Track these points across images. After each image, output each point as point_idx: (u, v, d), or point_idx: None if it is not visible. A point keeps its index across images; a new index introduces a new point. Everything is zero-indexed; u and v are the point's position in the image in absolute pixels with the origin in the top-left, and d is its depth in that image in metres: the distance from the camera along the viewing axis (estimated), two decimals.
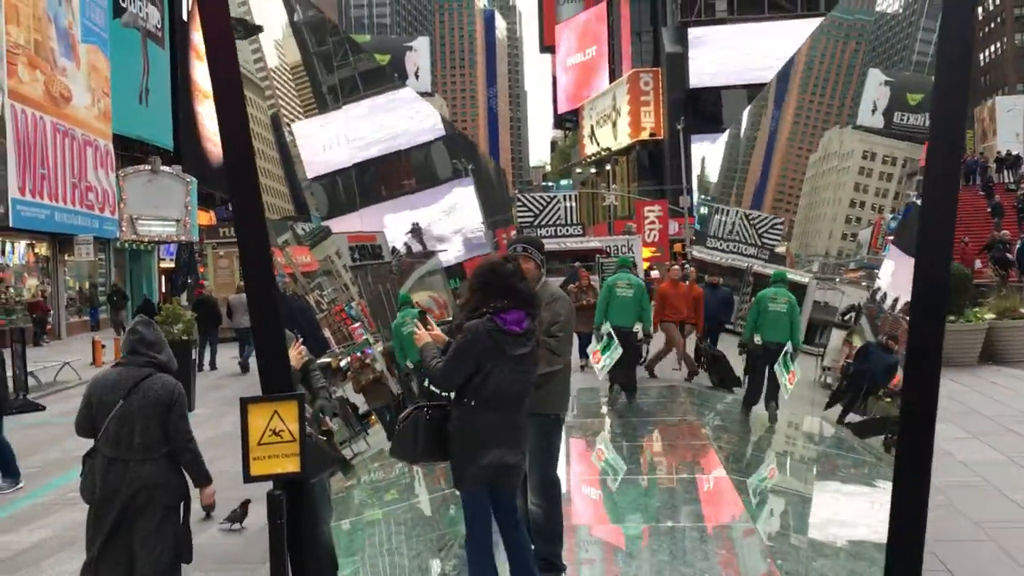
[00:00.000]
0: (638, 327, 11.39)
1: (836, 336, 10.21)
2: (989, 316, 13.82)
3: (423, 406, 4.16)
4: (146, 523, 4.45)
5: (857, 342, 8.95)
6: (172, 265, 37.42)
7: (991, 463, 7.63)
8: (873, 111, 13.00)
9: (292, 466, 3.33)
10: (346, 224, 9.89)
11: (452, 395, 4.16)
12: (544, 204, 27.94)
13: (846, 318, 10.19)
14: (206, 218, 40.19)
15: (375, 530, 6.67)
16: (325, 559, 4.56)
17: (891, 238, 11.20)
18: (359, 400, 8.46)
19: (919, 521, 3.06)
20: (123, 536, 4.46)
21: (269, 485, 3.35)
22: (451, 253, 11.71)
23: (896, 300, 8.70)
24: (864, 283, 10.26)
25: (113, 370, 4.73)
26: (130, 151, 34.58)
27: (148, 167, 33.48)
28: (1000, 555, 5.54)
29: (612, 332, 11.04)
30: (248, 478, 3.38)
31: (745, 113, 16.78)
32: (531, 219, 26.67)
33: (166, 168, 34.35)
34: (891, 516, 3.19)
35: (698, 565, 5.41)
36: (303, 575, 3.37)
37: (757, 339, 10.16)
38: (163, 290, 37.23)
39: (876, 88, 13.08)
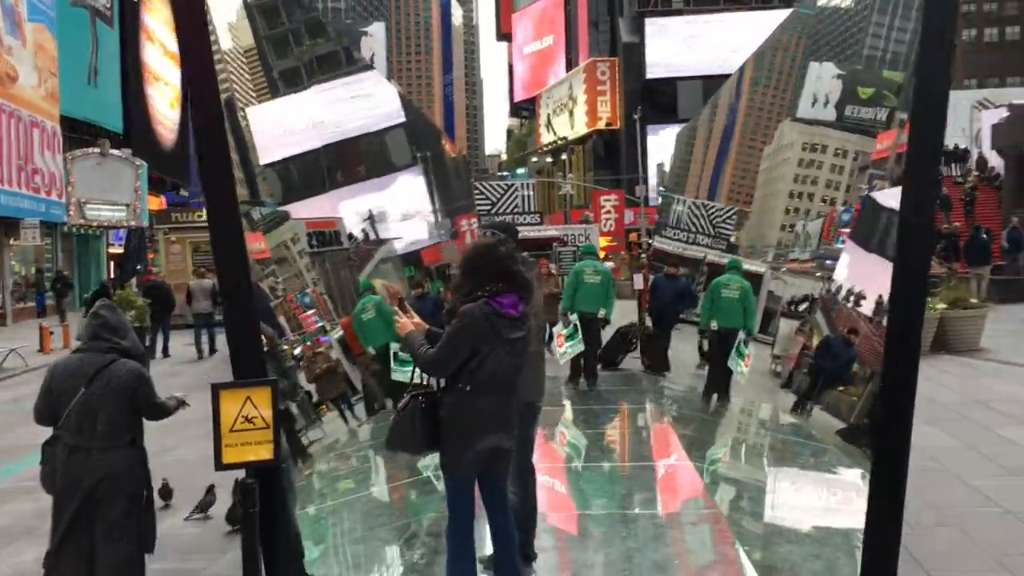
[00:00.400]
0: (602, 312, 11.40)
1: (785, 325, 10.34)
2: (941, 306, 14.11)
3: (417, 394, 4.10)
4: (108, 513, 4.36)
5: (815, 336, 9.06)
6: (122, 251, 36.73)
7: (948, 449, 7.81)
8: (814, 103, 13.16)
9: (265, 453, 3.28)
10: (303, 210, 9.79)
11: (442, 381, 4.11)
12: (502, 192, 27.88)
13: (799, 308, 10.33)
14: (156, 203, 39.47)
15: (338, 518, 6.62)
16: (293, 547, 4.51)
17: (846, 231, 11.38)
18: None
19: (896, 508, 3.11)
20: (84, 526, 4.37)
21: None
22: (405, 240, 11.65)
23: (851, 293, 8.84)
24: (819, 274, 10.40)
25: (74, 356, 4.63)
26: (78, 133, 33.77)
27: (97, 150, 32.74)
28: (963, 539, 5.67)
29: (578, 325, 11.12)
30: (220, 466, 3.32)
31: (708, 105, 16.92)
32: (488, 207, 26.61)
33: (115, 151, 33.63)
34: (869, 501, 3.24)
35: (664, 552, 5.45)
36: (275, 563, 3.31)
37: (714, 324, 10.29)
38: (112, 276, 36.50)
39: (825, 81, 13.25)
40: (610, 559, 5.23)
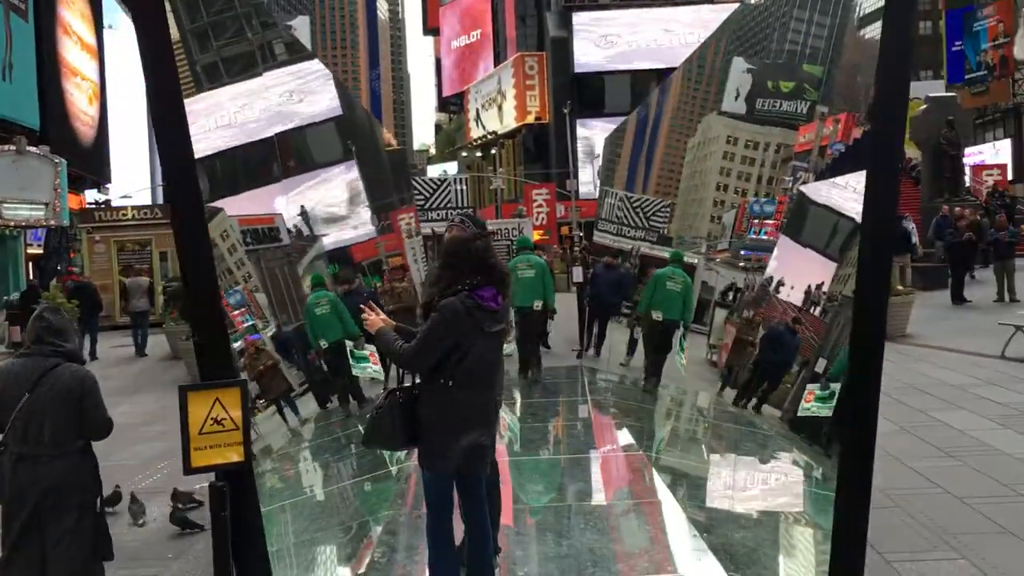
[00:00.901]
0: (538, 304, 11.48)
1: (719, 315, 10.58)
2: None
3: (395, 390, 4.07)
4: (58, 524, 4.26)
5: (759, 328, 9.25)
6: (41, 251, 35.53)
7: (884, 433, 8.06)
8: (737, 97, 13.46)
9: (236, 456, 3.23)
10: (233, 206, 9.63)
11: (417, 377, 4.08)
12: (434, 188, 27.79)
13: (727, 298, 10.59)
14: (76, 201, 38.28)
15: (293, 517, 6.55)
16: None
17: (769, 222, 11.69)
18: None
19: (864, 500, 3.22)
20: (35, 537, 4.27)
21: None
22: (334, 237, 11.56)
23: (780, 284, 9.07)
24: (741, 264, 10.67)
25: (17, 361, 4.49)
26: None
27: (13, 147, 31.53)
28: (908, 520, 5.88)
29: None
30: (189, 470, 3.26)
31: (645, 101, 17.17)
32: (422, 202, 26.50)
33: (32, 148, 32.45)
34: (837, 494, 3.34)
35: (627, 541, 5.53)
36: (246, 567, 3.28)
37: (658, 315, 10.53)
38: (31, 277, 35.29)
39: (739, 75, 13.54)
40: (573, 550, 5.28)
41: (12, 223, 32.27)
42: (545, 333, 12.42)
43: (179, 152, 3.19)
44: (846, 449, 3.35)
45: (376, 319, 4.14)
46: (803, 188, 10.42)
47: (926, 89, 37.00)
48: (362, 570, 5.11)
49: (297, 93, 11.27)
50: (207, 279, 3.27)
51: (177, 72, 3.22)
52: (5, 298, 24.32)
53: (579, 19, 61.88)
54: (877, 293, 3.15)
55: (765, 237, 11.15)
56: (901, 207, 25.12)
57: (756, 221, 11.74)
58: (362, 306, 4.24)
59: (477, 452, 4.04)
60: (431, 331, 3.91)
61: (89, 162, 41.26)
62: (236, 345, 8.26)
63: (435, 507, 4.11)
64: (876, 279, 3.16)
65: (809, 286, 8.35)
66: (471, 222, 5.11)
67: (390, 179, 14.08)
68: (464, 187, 30.00)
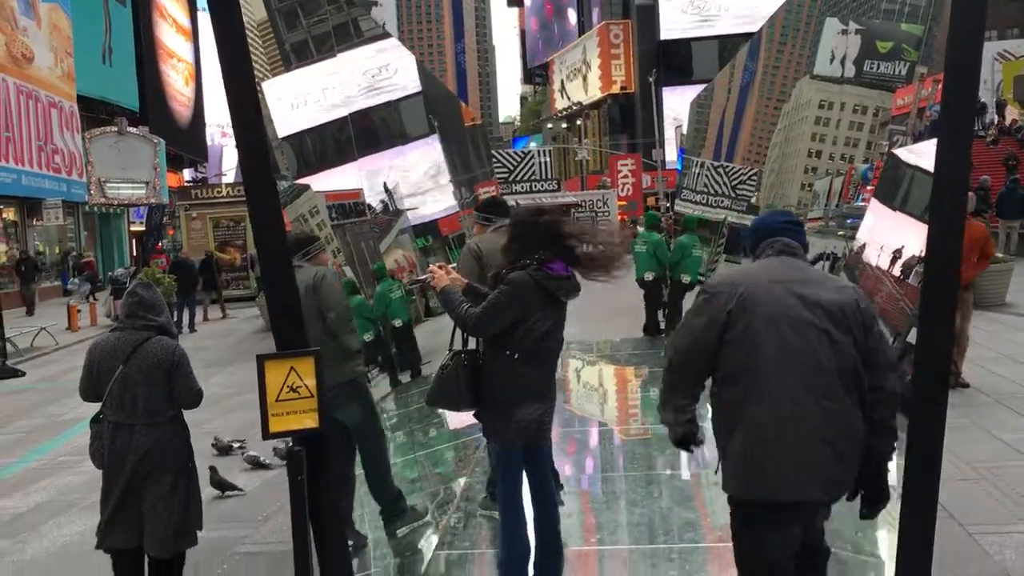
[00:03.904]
0: (649, 276, 12.22)
1: None
2: None
3: (460, 352, 4.13)
4: (155, 489, 4.47)
5: None
6: (143, 228, 37.01)
7: (975, 406, 7.83)
8: (832, 59, 13.05)
9: (311, 422, 3.34)
10: (319, 183, 9.86)
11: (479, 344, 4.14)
12: (519, 160, 27.83)
13: (817, 266, 10.37)
14: (175, 180, 39.68)
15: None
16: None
17: (869, 188, 11.33)
18: None
19: (933, 466, 3.15)
20: (133, 501, 4.49)
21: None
22: (421, 211, 11.70)
23: (878, 251, 8.80)
24: (840, 232, 10.41)
25: (112, 335, 4.71)
26: (95, 112, 33.95)
27: (114, 128, 32.90)
28: (994, 492, 5.73)
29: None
30: (267, 435, 3.40)
31: (727, 67, 16.79)
32: (506, 175, 26.59)
33: (132, 129, 33.78)
34: (906, 463, 3.28)
35: (698, 508, 5.53)
36: (322, 529, 3.42)
37: (686, 278, 11.91)
38: (134, 254, 36.81)
39: (836, 37, 13.10)
40: (632, 520, 5.29)
41: (115, 201, 33.74)
42: (669, 306, 12.44)
43: (251, 130, 3.29)
44: (914, 417, 3.28)
45: (442, 275, 4.16)
46: (896, 151, 10.07)
47: None
48: (438, 535, 5.25)
49: (382, 69, 11.43)
50: (279, 252, 3.38)
51: (249, 52, 3.33)
52: (110, 273, 25.43)
53: None
54: (950, 262, 3.05)
55: (862, 204, 10.87)
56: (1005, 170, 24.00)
57: (865, 187, 11.44)
58: (434, 265, 4.30)
59: (541, 428, 4.07)
60: (497, 302, 3.93)
61: (186, 141, 42.66)
62: None
63: (505, 478, 4.16)
64: (948, 246, 3.06)
65: (901, 252, 8.09)
66: (488, 214, 5.37)
67: (473, 153, 14.17)
68: (548, 159, 29.98)
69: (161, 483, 4.49)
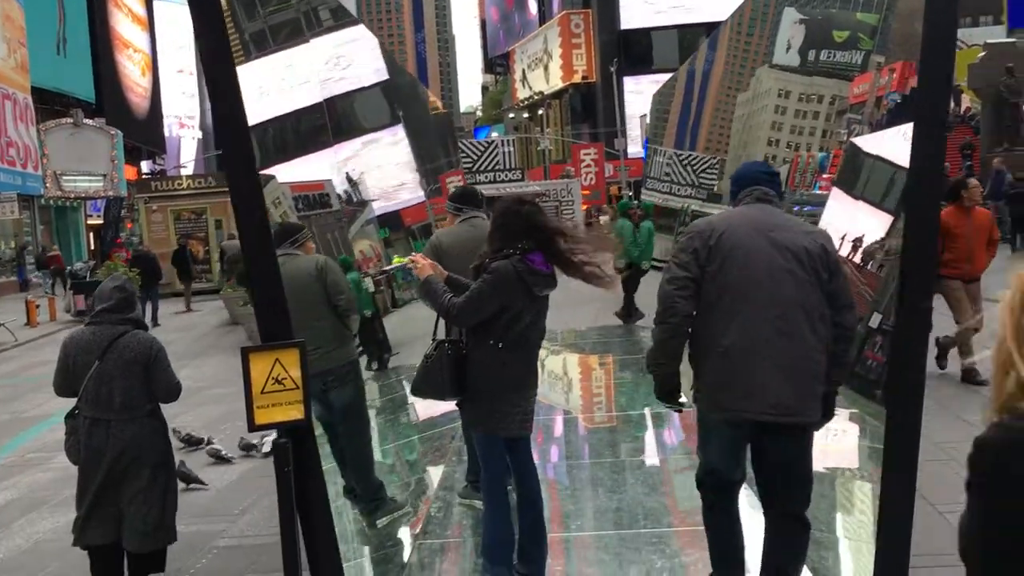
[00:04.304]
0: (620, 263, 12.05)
1: None
2: None
3: (443, 341, 4.16)
4: (134, 483, 4.45)
5: None
6: (101, 221, 36.42)
7: (943, 390, 8.01)
8: (788, 49, 13.20)
9: (296, 413, 3.35)
10: (283, 173, 9.80)
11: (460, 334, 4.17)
12: (483, 150, 27.84)
13: None
14: (132, 172, 39.07)
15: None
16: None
17: (825, 176, 11.50)
18: None
19: (911, 454, 3.23)
20: (111, 496, 4.46)
21: None
22: (384, 201, 11.67)
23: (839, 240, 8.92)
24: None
25: (87, 329, 4.66)
26: (50, 104, 33.33)
27: (70, 120, 32.32)
28: (961, 472, 5.85)
29: None
30: (253, 427, 3.41)
31: (691, 57, 16.90)
32: (470, 165, 26.57)
33: (89, 121, 33.21)
34: (884, 452, 3.37)
35: (675, 495, 5.61)
36: (310, 520, 3.43)
37: (646, 265, 12.16)
38: (92, 247, 36.23)
39: (794, 27, 13.26)
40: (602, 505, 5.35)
41: (72, 194, 33.18)
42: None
43: (232, 115, 3.28)
44: (892, 402, 3.36)
45: (425, 265, 4.18)
46: (856, 139, 10.19)
47: (985, 35, 35.83)
48: (419, 525, 5.28)
49: (343, 59, 11.35)
50: (263, 242, 3.38)
51: (228, 36, 3.31)
52: (69, 267, 25.02)
53: None
54: (925, 249, 3.13)
55: (819, 192, 11.01)
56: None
57: (821, 175, 11.59)
58: (412, 255, 4.31)
59: (525, 413, 4.13)
60: (480, 291, 3.96)
61: (144, 133, 42.07)
62: None
63: (489, 466, 4.20)
64: (924, 233, 3.14)
65: (861, 240, 8.23)
66: (467, 199, 5.41)
67: (437, 143, 14.14)
68: (512, 149, 30.04)
69: (139, 478, 4.47)
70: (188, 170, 46.33)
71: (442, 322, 4.25)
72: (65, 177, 32.00)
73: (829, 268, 3.51)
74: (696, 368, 3.65)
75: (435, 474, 6.29)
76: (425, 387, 4.20)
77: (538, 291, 4.05)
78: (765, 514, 3.72)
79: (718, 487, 3.72)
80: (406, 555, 4.94)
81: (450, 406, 6.11)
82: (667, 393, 3.70)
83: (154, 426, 4.60)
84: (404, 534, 5.25)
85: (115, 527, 4.50)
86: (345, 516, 5.49)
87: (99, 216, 36.45)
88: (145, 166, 45.44)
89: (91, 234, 37.16)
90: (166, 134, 49.28)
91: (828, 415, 3.63)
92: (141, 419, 4.51)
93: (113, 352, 4.49)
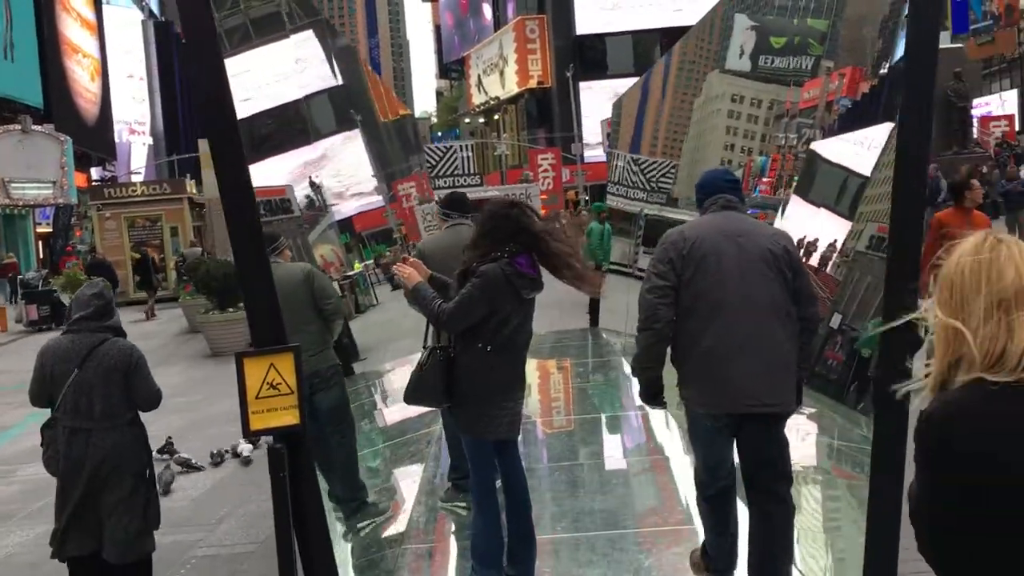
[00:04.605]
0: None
1: None
2: None
3: (435, 348, 4.16)
4: (114, 493, 4.39)
5: None
6: (50, 229, 35.67)
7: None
8: (740, 55, 13.42)
9: (291, 418, 3.34)
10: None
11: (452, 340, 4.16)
12: (442, 154, 27.82)
13: None
14: (82, 179, 38.30)
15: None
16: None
17: (765, 180, 11.74)
18: None
19: (899, 454, 3.29)
20: (91, 506, 4.40)
21: None
22: (342, 207, 11.64)
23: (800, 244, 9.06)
24: None
25: (65, 337, 4.59)
26: None
27: (18, 127, 31.56)
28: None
29: None
30: (248, 433, 3.39)
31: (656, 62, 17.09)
32: (429, 170, 26.52)
33: (37, 127, 32.46)
34: (872, 462, 3.45)
35: (655, 498, 5.66)
36: (305, 526, 3.42)
37: (604, 266, 12.19)
38: (41, 256, 35.46)
39: (742, 32, 13.48)
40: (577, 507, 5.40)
41: (20, 202, 32.37)
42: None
43: (221, 115, 3.26)
44: (880, 402, 3.44)
45: (413, 273, 4.18)
46: (814, 146, 10.38)
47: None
48: (401, 530, 5.27)
49: (301, 62, 11.28)
50: (256, 246, 3.36)
51: (215, 28, 3.29)
52: (20, 276, 24.48)
53: None
54: (912, 253, 3.21)
55: (759, 195, 11.22)
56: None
57: (761, 179, 11.82)
58: (398, 263, 4.30)
59: (514, 416, 4.16)
60: (470, 296, 3.97)
61: (94, 139, 41.29)
62: None
63: (478, 469, 4.21)
64: (910, 234, 3.23)
65: (816, 243, 8.36)
66: (455, 205, 5.53)
67: (400, 146, 14.08)
68: (471, 154, 30.06)
69: (120, 487, 4.41)
70: (140, 176, 45.57)
71: (431, 328, 4.26)
72: (13, 184, 31.24)
73: (792, 267, 3.81)
74: (680, 370, 3.88)
75: (413, 479, 6.28)
76: (419, 394, 4.20)
77: (526, 294, 4.09)
78: (751, 503, 3.89)
79: (716, 483, 3.94)
80: (391, 561, 4.92)
81: (421, 410, 6.16)
82: (652, 395, 3.96)
83: (135, 434, 4.55)
84: (387, 540, 5.23)
85: (95, 538, 4.44)
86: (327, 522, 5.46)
87: (48, 224, 35.70)
88: (95, 173, 44.58)
89: (40, 242, 36.35)
90: (116, 140, 48.42)
91: (798, 400, 3.91)
92: (122, 427, 4.46)
93: (92, 360, 4.43)
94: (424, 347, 4.20)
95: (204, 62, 3.30)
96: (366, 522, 5.33)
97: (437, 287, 4.21)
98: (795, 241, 8.60)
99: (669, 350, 3.89)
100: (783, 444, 3.87)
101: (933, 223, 8.85)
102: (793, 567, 3.95)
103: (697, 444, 4.02)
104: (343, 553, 5.24)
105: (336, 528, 5.44)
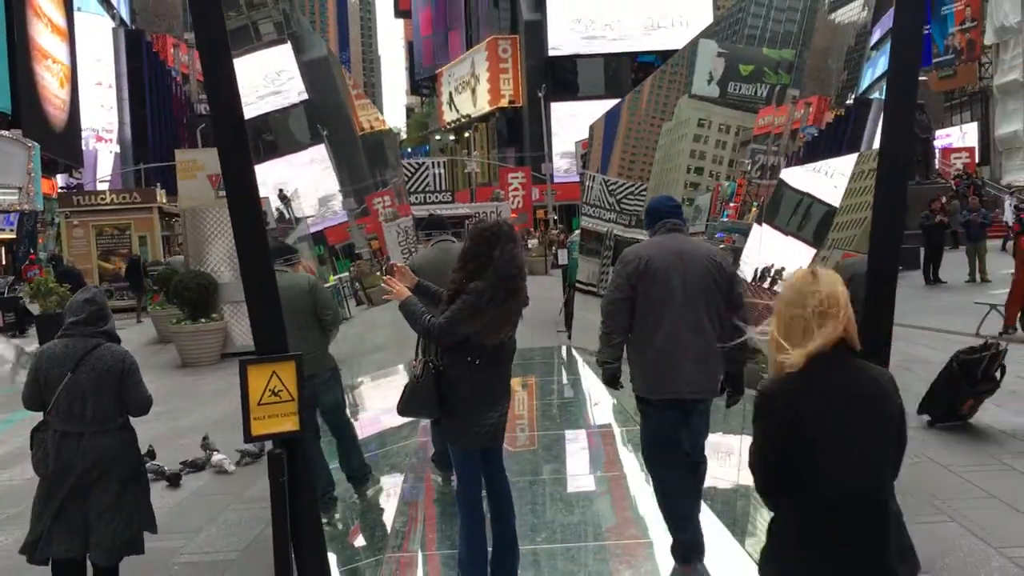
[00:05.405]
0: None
1: None
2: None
3: (428, 362, 4.25)
4: (101, 497, 4.44)
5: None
6: (13, 236, 35.18)
7: None
8: (710, 80, 13.68)
9: (291, 425, 3.45)
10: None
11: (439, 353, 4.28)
12: (414, 171, 27.93)
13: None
14: (48, 185, 37.86)
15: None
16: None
17: (732, 205, 12.02)
18: None
19: None
20: (76, 507, 4.44)
21: None
22: (312, 220, 11.69)
23: (767, 272, 9.26)
24: (720, 246, 10.96)
25: (60, 342, 4.64)
26: None
27: None
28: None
29: None
30: (250, 438, 3.49)
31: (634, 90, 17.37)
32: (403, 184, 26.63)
33: (5, 132, 32.09)
34: None
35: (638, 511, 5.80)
36: (301, 532, 3.52)
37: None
38: (3, 262, 34.95)
39: (709, 58, 13.76)
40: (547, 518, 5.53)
41: None
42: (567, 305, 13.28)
43: (230, 117, 3.37)
44: None
45: (402, 289, 4.31)
46: (784, 173, 10.63)
47: None
48: (388, 537, 5.36)
49: (277, 74, 11.34)
50: (263, 259, 3.47)
51: (225, 27, 3.39)
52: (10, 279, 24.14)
53: (552, 1, 61.83)
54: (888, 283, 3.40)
55: (726, 219, 11.47)
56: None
57: (728, 204, 12.06)
58: (387, 278, 4.41)
59: (499, 430, 4.32)
60: (460, 311, 4.11)
61: (61, 146, 40.80)
62: None
63: (465, 479, 4.33)
64: (888, 264, 3.42)
65: (781, 270, 8.55)
66: (435, 226, 6.20)
67: (376, 160, 14.13)
68: (442, 171, 30.22)
69: (107, 492, 4.47)
70: (107, 185, 45.10)
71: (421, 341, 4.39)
72: None
73: (726, 278, 4.66)
74: (634, 364, 4.75)
75: (394, 490, 6.37)
76: (414, 406, 4.30)
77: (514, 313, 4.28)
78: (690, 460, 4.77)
79: (660, 453, 4.75)
80: (376, 571, 5.01)
81: (401, 420, 6.33)
82: (611, 380, 4.84)
83: (125, 439, 4.62)
84: (372, 547, 5.32)
85: (81, 541, 4.49)
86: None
87: (12, 231, 35.21)
88: (61, 180, 44.07)
89: (2, 248, 35.83)
90: (84, 148, 47.91)
91: (740, 391, 4.76)
92: (113, 432, 4.53)
93: (86, 365, 4.49)
94: (415, 359, 4.30)
95: (217, 71, 3.40)
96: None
97: (425, 295, 4.37)
98: (761, 270, 8.90)
99: (626, 347, 4.70)
100: (708, 419, 4.80)
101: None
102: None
103: (646, 428, 4.81)
104: (332, 559, 5.34)
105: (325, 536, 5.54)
